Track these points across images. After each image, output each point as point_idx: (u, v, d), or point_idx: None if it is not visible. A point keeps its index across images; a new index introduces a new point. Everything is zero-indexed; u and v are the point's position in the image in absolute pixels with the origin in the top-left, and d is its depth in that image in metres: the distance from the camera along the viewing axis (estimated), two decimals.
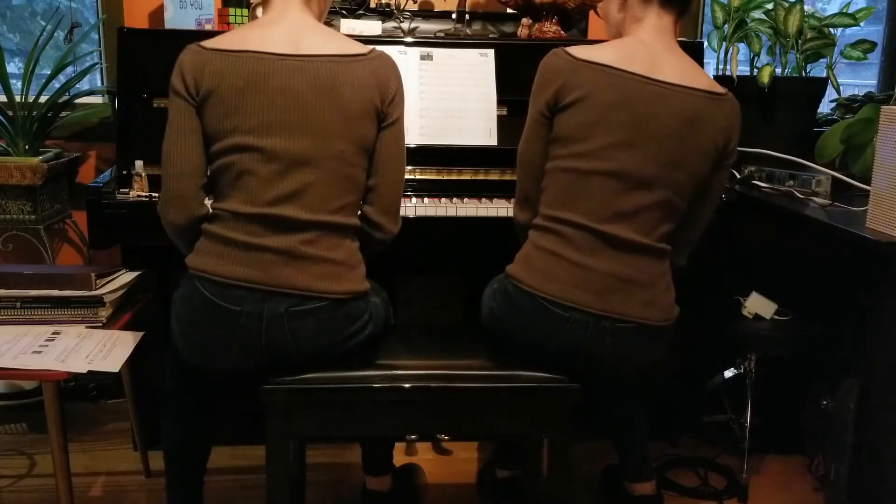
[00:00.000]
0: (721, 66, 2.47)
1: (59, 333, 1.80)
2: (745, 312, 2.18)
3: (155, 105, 2.20)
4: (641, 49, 1.61)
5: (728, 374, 2.29)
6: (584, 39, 2.54)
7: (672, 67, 1.59)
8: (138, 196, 2.03)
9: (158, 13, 2.51)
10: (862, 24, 2.40)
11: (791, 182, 2.17)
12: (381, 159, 1.61)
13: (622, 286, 1.57)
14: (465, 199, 2.09)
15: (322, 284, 1.51)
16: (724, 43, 2.46)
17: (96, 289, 1.89)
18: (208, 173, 1.56)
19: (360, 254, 1.61)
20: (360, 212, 1.62)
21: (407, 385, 1.56)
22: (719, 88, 1.61)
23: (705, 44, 2.45)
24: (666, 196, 1.58)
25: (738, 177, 2.33)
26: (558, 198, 1.61)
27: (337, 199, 1.53)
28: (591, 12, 2.49)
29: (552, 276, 1.58)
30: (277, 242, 1.49)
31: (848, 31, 2.53)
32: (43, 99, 2.43)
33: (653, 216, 1.58)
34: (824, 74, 2.42)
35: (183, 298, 1.55)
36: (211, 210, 1.56)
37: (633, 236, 1.57)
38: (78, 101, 2.53)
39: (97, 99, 2.62)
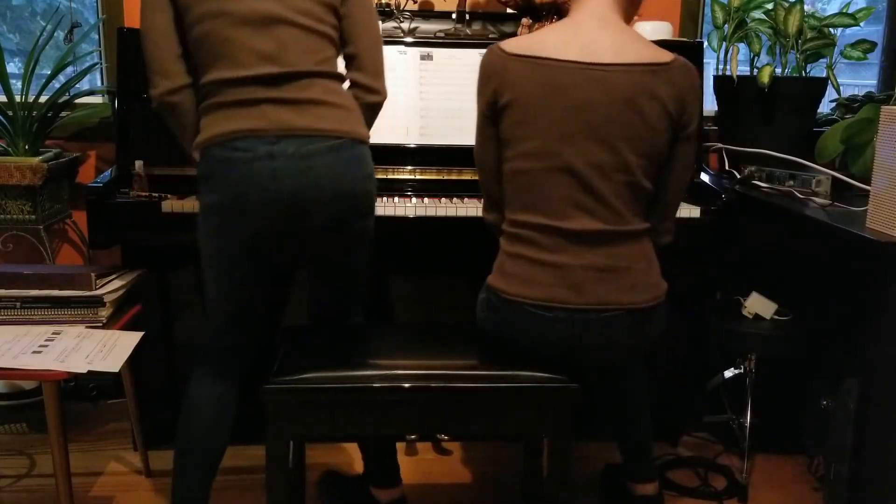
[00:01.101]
0: (721, 66, 2.47)
1: (59, 333, 1.80)
2: (745, 312, 2.18)
3: (155, 105, 2.20)
4: (575, 31, 1.59)
5: (728, 374, 2.29)
6: None
7: (609, 46, 1.56)
8: (138, 196, 2.03)
9: None
10: (862, 24, 2.39)
11: (791, 182, 2.16)
12: (354, 24, 1.67)
13: (600, 277, 1.56)
14: (465, 199, 2.09)
15: (324, 124, 1.57)
16: (724, 43, 2.46)
17: (96, 289, 1.89)
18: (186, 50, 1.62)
19: (356, 102, 1.66)
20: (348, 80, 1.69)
21: (407, 385, 1.56)
22: (664, 57, 1.57)
23: (705, 44, 2.45)
24: (625, 180, 1.56)
25: (738, 177, 2.33)
26: (517, 201, 1.62)
27: (316, 52, 1.60)
28: None
29: (529, 281, 1.58)
30: (274, 93, 1.55)
31: (848, 31, 2.52)
32: (43, 99, 2.42)
33: (615, 202, 1.56)
34: (824, 74, 2.42)
35: (204, 180, 1.59)
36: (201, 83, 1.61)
37: (600, 226, 1.56)
38: (78, 101, 2.53)
39: (97, 99, 2.62)
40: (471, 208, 2.03)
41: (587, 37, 1.57)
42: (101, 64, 2.63)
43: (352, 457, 2.31)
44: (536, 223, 1.58)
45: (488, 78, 1.60)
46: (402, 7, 2.43)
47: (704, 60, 2.39)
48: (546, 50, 1.55)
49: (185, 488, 1.71)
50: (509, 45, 1.59)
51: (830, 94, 2.47)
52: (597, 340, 1.59)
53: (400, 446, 2.35)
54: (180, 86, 1.62)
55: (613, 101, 1.53)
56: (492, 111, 1.62)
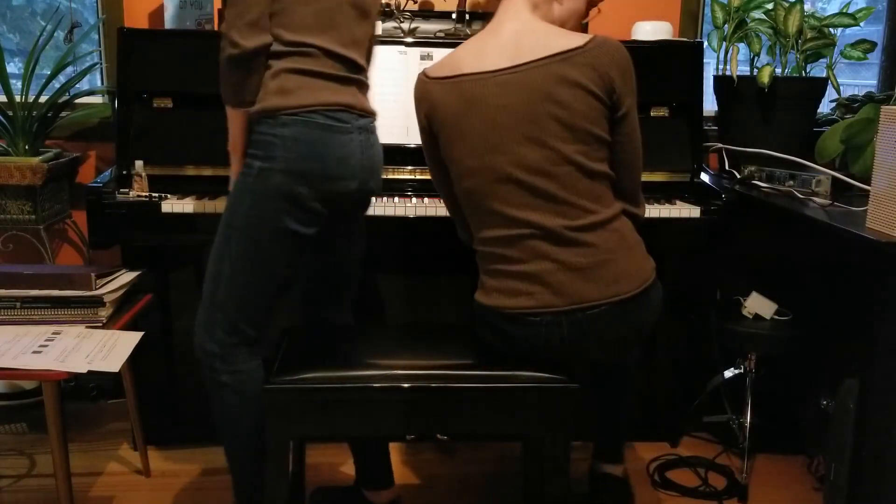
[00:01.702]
0: (721, 66, 2.47)
1: (59, 333, 1.80)
2: (745, 312, 2.18)
3: (155, 105, 2.20)
4: (486, 39, 1.60)
5: (728, 374, 2.29)
6: None
7: (521, 46, 1.55)
8: (138, 196, 2.03)
9: (158, 13, 2.51)
10: (862, 24, 2.39)
11: (791, 182, 2.16)
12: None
13: (579, 275, 1.54)
14: None
15: (372, 108, 1.75)
16: (724, 43, 2.46)
17: (96, 289, 1.89)
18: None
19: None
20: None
21: (406, 385, 1.56)
22: (578, 41, 1.53)
23: (705, 44, 2.45)
24: (569, 171, 1.54)
25: (738, 177, 2.33)
26: (476, 220, 1.63)
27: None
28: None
29: (509, 293, 1.58)
30: (357, 76, 1.68)
31: (848, 31, 2.52)
32: (43, 99, 2.43)
33: (569, 196, 1.54)
34: (824, 74, 2.42)
35: (291, 143, 1.58)
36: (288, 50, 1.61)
37: (563, 223, 1.54)
38: (78, 101, 2.53)
39: (97, 99, 2.62)
40: None
41: (498, 43, 1.58)
42: (101, 64, 2.63)
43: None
44: (499, 237, 1.58)
45: (418, 104, 1.67)
46: (402, 7, 2.43)
47: (704, 60, 2.39)
48: (461, 67, 1.58)
49: (257, 474, 1.72)
50: (432, 69, 1.64)
51: (830, 94, 2.47)
52: (589, 338, 1.58)
53: (400, 446, 2.35)
54: (267, 44, 1.58)
55: (530, 99, 1.52)
56: (429, 136, 1.68)
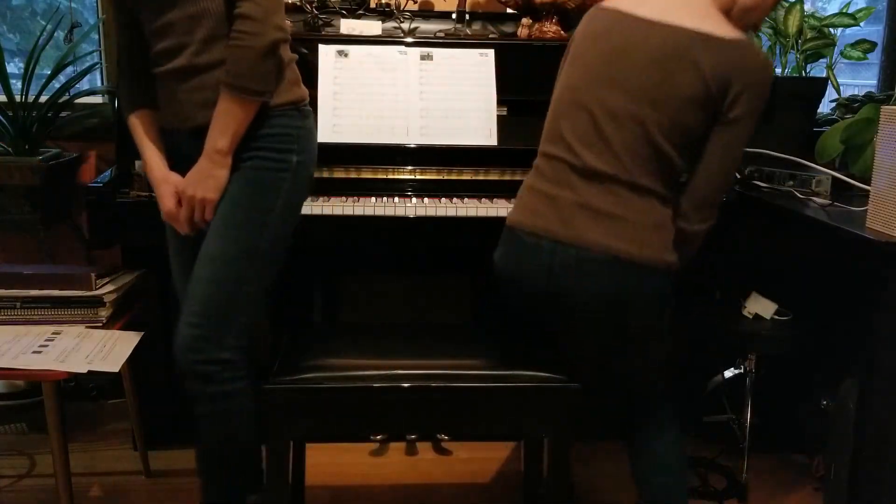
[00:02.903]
0: None
1: (59, 333, 1.80)
2: (745, 312, 2.18)
3: None
4: None
5: (728, 374, 2.29)
6: None
7: (675, 8, 1.55)
8: (138, 196, 2.03)
9: None
10: (862, 24, 2.40)
11: (791, 182, 2.16)
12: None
13: (591, 216, 1.54)
14: (465, 199, 2.09)
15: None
16: None
17: (96, 289, 1.89)
18: None
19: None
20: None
21: (407, 385, 1.56)
22: (729, 34, 1.52)
23: None
24: (637, 132, 1.53)
25: (738, 177, 2.33)
26: (545, 131, 1.66)
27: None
28: None
29: (527, 209, 1.61)
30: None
31: (848, 31, 2.52)
32: (43, 99, 2.42)
33: (622, 152, 1.54)
34: (824, 74, 2.42)
35: (308, 135, 1.66)
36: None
37: (604, 167, 1.54)
38: (78, 101, 2.53)
39: (97, 99, 2.62)
40: (471, 208, 2.03)
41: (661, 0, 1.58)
42: (101, 64, 2.63)
43: (352, 457, 2.31)
44: (549, 154, 1.61)
45: (578, 26, 1.70)
46: (402, 7, 2.43)
47: None
48: (620, 4, 1.61)
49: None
50: (610, 1, 1.65)
51: (830, 94, 2.47)
52: (572, 281, 1.56)
53: (400, 446, 2.35)
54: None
55: (646, 55, 1.53)
56: (565, 52, 1.71)
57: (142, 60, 1.62)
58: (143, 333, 1.85)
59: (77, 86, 2.48)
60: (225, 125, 1.52)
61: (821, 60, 2.43)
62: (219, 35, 1.52)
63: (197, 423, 1.63)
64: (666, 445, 1.74)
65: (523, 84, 2.27)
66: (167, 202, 1.61)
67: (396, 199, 2.10)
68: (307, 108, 1.65)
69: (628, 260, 1.54)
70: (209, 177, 1.55)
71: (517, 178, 2.12)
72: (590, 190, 1.55)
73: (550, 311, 1.63)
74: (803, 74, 2.42)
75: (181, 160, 1.62)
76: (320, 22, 2.37)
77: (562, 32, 2.37)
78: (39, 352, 1.69)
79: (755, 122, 1.58)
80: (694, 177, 1.61)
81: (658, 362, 1.75)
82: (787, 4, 2.37)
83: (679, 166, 1.59)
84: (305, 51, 2.17)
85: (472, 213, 2.02)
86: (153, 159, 1.64)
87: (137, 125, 1.66)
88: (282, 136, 1.58)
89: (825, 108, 2.57)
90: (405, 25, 2.41)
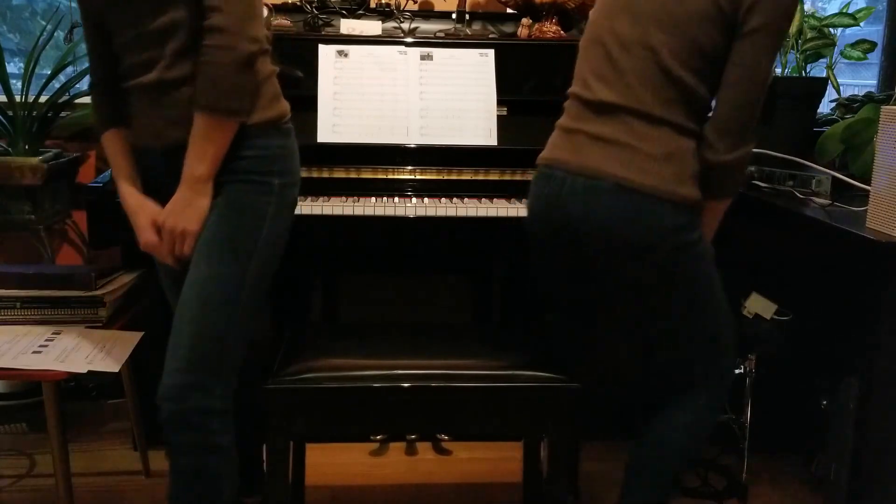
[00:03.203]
0: None
1: (59, 333, 1.81)
2: (745, 312, 2.18)
3: None
4: None
5: None
6: None
7: None
8: None
9: None
10: (862, 24, 2.39)
11: (791, 182, 2.16)
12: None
13: (601, 146, 1.53)
14: (465, 199, 2.09)
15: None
16: None
17: (96, 289, 1.89)
18: None
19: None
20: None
21: (407, 385, 1.56)
22: None
23: None
24: (648, 58, 1.50)
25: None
26: (575, 74, 1.66)
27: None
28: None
29: (548, 146, 1.65)
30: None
31: (848, 31, 2.52)
32: (43, 99, 2.42)
33: (634, 80, 1.51)
34: (824, 74, 2.42)
35: (292, 156, 1.55)
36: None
37: (616, 99, 1.53)
38: (78, 101, 2.53)
39: None
40: (470, 208, 2.03)
41: None
42: None
43: (352, 457, 2.31)
44: (571, 93, 1.64)
45: None
46: (402, 7, 2.43)
47: None
48: None
49: None
50: None
51: (830, 94, 2.47)
52: (579, 209, 1.53)
53: (400, 446, 2.35)
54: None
55: None
56: None
57: (112, 75, 1.52)
58: (143, 333, 1.85)
59: (77, 86, 2.48)
60: (202, 150, 1.41)
61: (821, 60, 2.43)
62: (192, 48, 1.40)
63: (173, 483, 1.49)
64: (672, 437, 1.65)
65: (523, 84, 2.27)
66: (145, 234, 1.49)
67: (396, 199, 2.10)
68: (288, 126, 1.53)
69: (632, 188, 1.49)
70: (189, 206, 1.43)
71: (517, 178, 2.12)
72: (603, 123, 1.54)
73: (568, 253, 1.59)
74: (803, 74, 2.42)
75: (155, 182, 1.52)
76: (320, 22, 2.37)
77: (562, 32, 2.37)
78: (39, 352, 1.69)
79: (778, 38, 1.49)
80: (717, 102, 1.52)
81: (687, 328, 1.63)
82: None
83: (701, 95, 1.52)
84: (300, 74, 2.16)
85: (472, 213, 2.02)
86: (126, 187, 1.53)
87: (109, 145, 1.56)
88: (262, 158, 1.47)
89: (825, 108, 2.57)
90: (405, 25, 2.41)
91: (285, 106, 1.53)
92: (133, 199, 1.52)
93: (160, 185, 1.50)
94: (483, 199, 2.09)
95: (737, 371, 2.25)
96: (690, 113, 1.52)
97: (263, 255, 1.49)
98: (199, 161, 1.41)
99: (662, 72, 1.50)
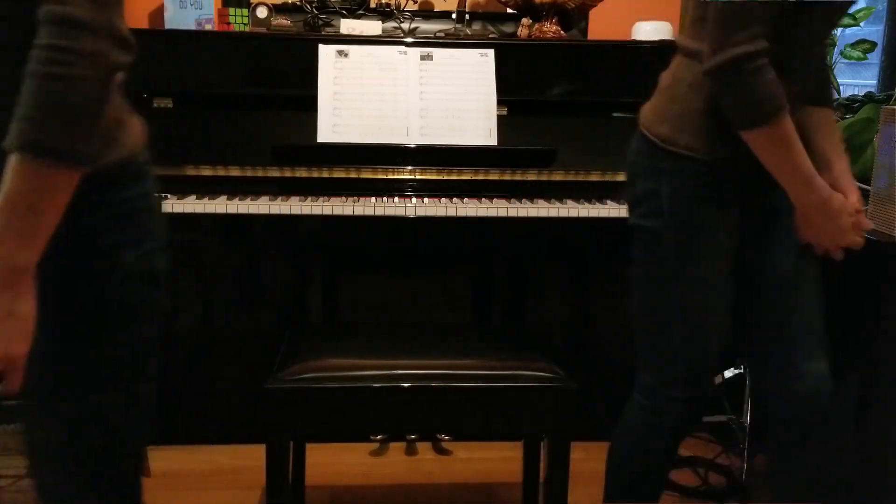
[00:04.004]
0: None
1: None
2: None
3: (155, 105, 2.20)
4: None
5: (728, 374, 2.29)
6: (583, 40, 2.54)
7: None
8: None
9: (158, 13, 2.50)
10: (862, 24, 2.39)
11: None
12: None
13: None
14: (465, 199, 2.09)
15: None
16: None
17: None
18: None
19: None
20: None
21: (407, 385, 1.56)
22: None
23: None
24: None
25: None
26: None
27: None
28: (591, 12, 2.49)
29: None
30: None
31: (848, 31, 2.52)
32: None
33: (692, 18, 1.37)
34: None
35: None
36: None
37: (679, 41, 1.44)
38: None
39: None
40: (471, 208, 2.03)
41: None
42: None
43: (352, 457, 2.31)
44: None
45: None
46: (402, 7, 2.43)
47: None
48: None
49: None
50: None
51: None
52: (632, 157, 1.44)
53: (400, 446, 2.35)
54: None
55: None
56: None
57: None
58: None
59: None
60: (23, 222, 0.85)
61: None
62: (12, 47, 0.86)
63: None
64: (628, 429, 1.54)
65: (523, 84, 2.27)
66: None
67: (396, 199, 2.10)
68: (144, 166, 1.07)
69: (639, 128, 1.44)
70: (6, 317, 0.90)
71: (517, 178, 2.12)
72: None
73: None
74: None
75: None
76: (320, 22, 2.37)
77: (562, 32, 2.37)
78: None
79: None
80: None
81: (637, 321, 1.46)
82: None
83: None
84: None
85: (472, 213, 2.02)
86: None
87: None
88: (105, 220, 0.99)
89: None
90: (405, 25, 2.41)
91: (137, 138, 1.14)
92: None
93: None
94: (483, 199, 2.09)
95: (737, 371, 2.26)
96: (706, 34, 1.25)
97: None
98: (17, 241, 0.87)
99: (701, 6, 1.30)
